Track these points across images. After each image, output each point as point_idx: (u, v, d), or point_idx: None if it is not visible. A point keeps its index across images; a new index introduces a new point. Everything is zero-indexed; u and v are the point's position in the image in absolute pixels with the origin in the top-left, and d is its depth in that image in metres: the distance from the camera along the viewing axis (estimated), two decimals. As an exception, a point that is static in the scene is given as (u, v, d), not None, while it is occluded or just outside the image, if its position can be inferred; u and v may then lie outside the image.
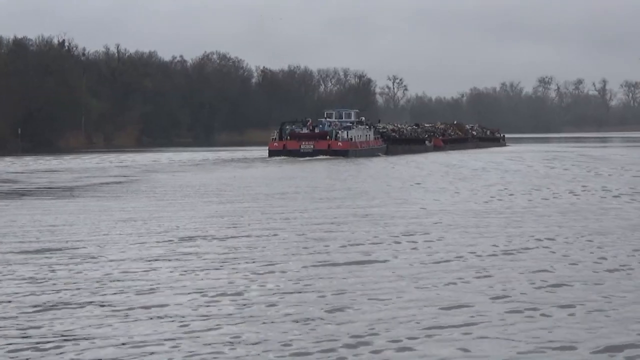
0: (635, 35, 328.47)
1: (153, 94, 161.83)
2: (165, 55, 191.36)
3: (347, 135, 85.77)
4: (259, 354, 11.45)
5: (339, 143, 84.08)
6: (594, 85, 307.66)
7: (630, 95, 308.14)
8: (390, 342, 11.97)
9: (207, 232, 23.75)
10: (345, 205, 31.69)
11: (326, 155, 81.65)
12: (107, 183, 47.01)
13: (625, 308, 14.07)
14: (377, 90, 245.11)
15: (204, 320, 13.29)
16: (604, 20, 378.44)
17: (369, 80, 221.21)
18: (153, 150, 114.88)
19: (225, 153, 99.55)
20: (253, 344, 11.90)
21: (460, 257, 19.05)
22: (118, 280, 16.41)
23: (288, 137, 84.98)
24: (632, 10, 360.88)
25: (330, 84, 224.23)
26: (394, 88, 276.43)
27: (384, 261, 18.59)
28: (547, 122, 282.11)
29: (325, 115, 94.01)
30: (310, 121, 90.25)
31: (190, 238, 22.47)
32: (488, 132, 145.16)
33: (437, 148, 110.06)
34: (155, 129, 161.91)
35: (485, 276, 16.75)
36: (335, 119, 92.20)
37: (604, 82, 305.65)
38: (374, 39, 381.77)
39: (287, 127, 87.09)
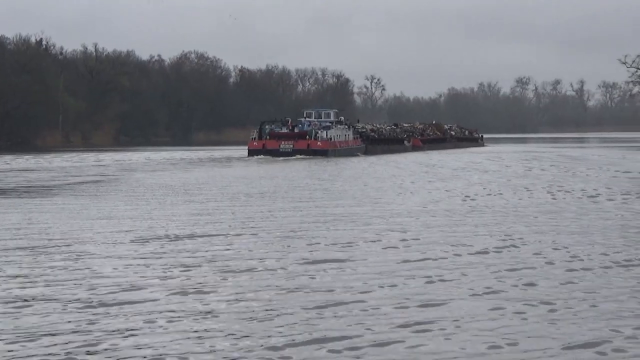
0: (613, 36, 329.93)
1: (131, 93, 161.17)
2: (143, 54, 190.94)
3: (327, 135, 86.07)
4: (230, 350, 11.49)
5: (318, 143, 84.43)
6: (572, 86, 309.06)
7: (608, 95, 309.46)
8: (365, 339, 12.02)
9: (185, 230, 23.65)
10: (324, 205, 31.62)
11: (305, 155, 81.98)
12: (86, 182, 46.71)
13: (601, 305, 14.18)
14: (355, 90, 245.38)
15: (172, 314, 13.41)
16: (582, 21, 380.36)
17: (347, 80, 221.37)
18: (131, 149, 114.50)
19: (204, 152, 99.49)
20: (220, 338, 12.00)
21: (437, 255, 19.15)
22: (94, 277, 16.42)
23: (267, 137, 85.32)
24: (610, 11, 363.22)
25: (308, 84, 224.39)
26: (371, 88, 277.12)
27: (362, 259, 18.63)
28: (524, 122, 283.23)
29: (304, 115, 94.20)
30: (289, 121, 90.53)
31: (168, 236, 22.37)
32: (466, 133, 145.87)
33: (415, 148, 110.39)
34: (132, 128, 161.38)
35: (461, 274, 16.85)
36: (315, 118, 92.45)
37: (582, 82, 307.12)
38: (353, 39, 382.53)
39: (267, 126, 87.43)
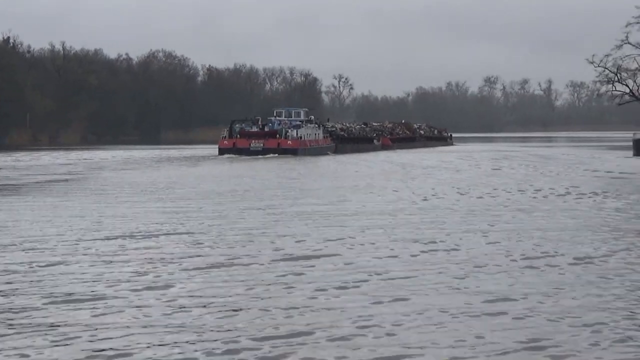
0: (580, 36, 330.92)
1: (99, 92, 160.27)
2: (111, 52, 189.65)
3: (297, 134, 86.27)
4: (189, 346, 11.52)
5: (289, 141, 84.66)
6: (540, 85, 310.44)
7: (576, 95, 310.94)
8: (326, 335, 12.15)
9: (153, 228, 23.65)
10: (289, 204, 31.64)
11: (276, 153, 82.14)
12: (55, 181, 46.33)
13: (558, 302, 14.38)
14: (323, 89, 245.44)
15: (130, 309, 13.61)
16: (550, 21, 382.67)
17: (315, 79, 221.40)
18: (99, 148, 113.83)
19: (174, 151, 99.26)
20: (179, 334, 12.08)
21: (403, 252, 19.47)
22: (61, 274, 16.48)
23: (238, 136, 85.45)
24: (578, 11, 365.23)
25: (276, 83, 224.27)
26: (339, 87, 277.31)
27: (331, 255, 18.88)
28: (492, 121, 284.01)
29: (274, 114, 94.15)
30: (260, 120, 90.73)
31: (133, 234, 22.42)
32: (435, 132, 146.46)
33: (385, 147, 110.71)
34: (101, 127, 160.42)
35: (425, 269, 17.19)
36: (285, 117, 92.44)
37: (550, 82, 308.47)
38: (322, 38, 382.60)
39: (237, 125, 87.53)
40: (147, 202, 32.70)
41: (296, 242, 21.01)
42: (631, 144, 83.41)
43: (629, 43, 49.60)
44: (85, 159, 75.50)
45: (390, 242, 21.01)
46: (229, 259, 18.35)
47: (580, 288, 15.38)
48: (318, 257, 18.72)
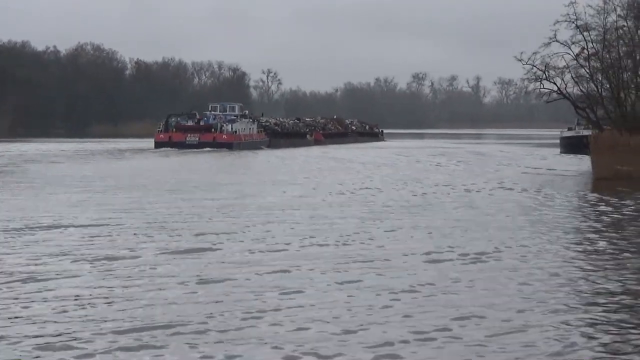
0: (509, 34, 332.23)
1: (27, 84, 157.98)
2: (39, 45, 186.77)
3: (232, 129, 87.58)
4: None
5: (224, 136, 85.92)
6: (468, 82, 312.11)
7: (504, 92, 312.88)
8: (225, 324, 12.73)
9: (70, 221, 23.98)
10: (209, 197, 32.15)
11: (211, 147, 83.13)
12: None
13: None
14: (252, 83, 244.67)
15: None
16: (478, 18, 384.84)
17: (244, 74, 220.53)
18: (27, 140, 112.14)
19: (108, 144, 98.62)
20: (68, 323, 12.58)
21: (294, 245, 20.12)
22: None
23: (174, 130, 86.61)
24: (506, 8, 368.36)
25: (204, 77, 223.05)
26: (268, 82, 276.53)
27: (238, 250, 19.38)
28: (421, 117, 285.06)
29: (210, 108, 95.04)
30: (196, 114, 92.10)
31: (50, 226, 22.83)
32: (367, 127, 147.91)
33: (317, 142, 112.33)
34: (29, 119, 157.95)
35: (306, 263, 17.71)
36: (220, 112, 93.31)
37: (478, 79, 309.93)
38: (250, 33, 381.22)
39: (173, 119, 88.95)
40: (82, 194, 32.74)
41: (194, 235, 21.47)
42: (558, 141, 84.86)
43: (557, 41, 50.03)
44: (12, 152, 74.29)
45: (288, 236, 21.51)
46: (137, 249, 19.01)
47: (471, 282, 15.94)
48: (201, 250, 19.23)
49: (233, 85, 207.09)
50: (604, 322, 13.05)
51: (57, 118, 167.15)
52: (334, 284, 15.60)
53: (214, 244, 20.00)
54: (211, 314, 13.24)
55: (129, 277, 16.08)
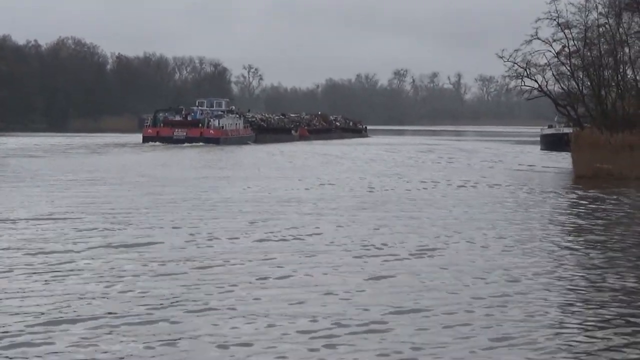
0: (490, 31, 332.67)
1: (7, 78, 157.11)
2: (19, 39, 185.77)
3: (219, 124, 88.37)
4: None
5: (211, 131, 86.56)
6: (449, 79, 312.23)
7: (485, 89, 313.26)
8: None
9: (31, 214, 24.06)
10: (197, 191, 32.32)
11: (198, 142, 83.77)
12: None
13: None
14: (233, 79, 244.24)
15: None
16: (460, 15, 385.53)
17: (225, 69, 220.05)
18: (7, 134, 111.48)
19: (98, 138, 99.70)
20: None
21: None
22: None
23: (161, 124, 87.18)
24: (488, 6, 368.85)
25: (185, 72, 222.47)
26: (249, 77, 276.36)
27: (227, 249, 19.25)
28: (402, 114, 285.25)
29: (197, 104, 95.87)
30: (183, 109, 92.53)
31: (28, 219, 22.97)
32: (351, 124, 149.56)
33: (302, 137, 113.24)
34: (9, 113, 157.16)
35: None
36: (207, 107, 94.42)
37: (459, 76, 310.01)
38: (232, 28, 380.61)
39: (161, 114, 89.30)
40: (72, 188, 32.77)
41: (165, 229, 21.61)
42: (539, 139, 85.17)
43: (538, 38, 50.16)
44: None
45: (248, 230, 21.66)
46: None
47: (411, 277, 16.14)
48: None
49: (215, 80, 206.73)
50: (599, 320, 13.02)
51: (37, 112, 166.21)
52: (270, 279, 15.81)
53: (155, 239, 20.01)
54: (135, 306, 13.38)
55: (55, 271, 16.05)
